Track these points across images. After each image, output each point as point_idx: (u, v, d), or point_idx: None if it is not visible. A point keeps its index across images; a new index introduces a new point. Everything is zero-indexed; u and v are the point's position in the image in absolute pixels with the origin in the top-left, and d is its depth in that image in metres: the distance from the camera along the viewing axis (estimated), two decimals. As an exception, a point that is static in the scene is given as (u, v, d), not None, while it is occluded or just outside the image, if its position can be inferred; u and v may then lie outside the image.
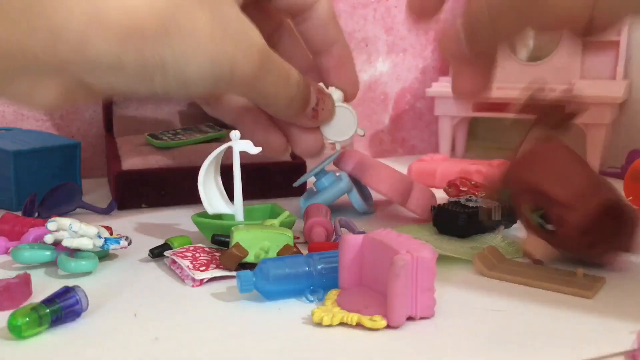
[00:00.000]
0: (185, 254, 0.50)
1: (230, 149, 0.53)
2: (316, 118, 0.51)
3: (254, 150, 0.53)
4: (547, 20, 0.43)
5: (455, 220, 0.55)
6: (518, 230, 0.59)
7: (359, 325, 0.39)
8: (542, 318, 0.41)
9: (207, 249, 0.51)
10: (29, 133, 0.74)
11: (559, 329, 0.39)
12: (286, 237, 0.48)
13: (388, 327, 0.39)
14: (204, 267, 0.48)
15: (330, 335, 0.38)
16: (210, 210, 0.54)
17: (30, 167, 0.67)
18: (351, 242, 0.43)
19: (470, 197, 0.60)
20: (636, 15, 0.42)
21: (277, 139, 0.53)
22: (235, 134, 0.53)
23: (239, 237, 0.47)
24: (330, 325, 0.39)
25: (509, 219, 0.56)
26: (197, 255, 0.50)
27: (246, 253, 0.47)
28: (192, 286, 0.46)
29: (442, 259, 0.46)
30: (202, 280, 0.46)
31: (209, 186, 0.55)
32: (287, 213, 0.54)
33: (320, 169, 0.64)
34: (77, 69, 0.34)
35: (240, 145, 0.53)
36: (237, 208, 0.55)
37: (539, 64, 0.89)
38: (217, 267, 0.48)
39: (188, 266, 0.47)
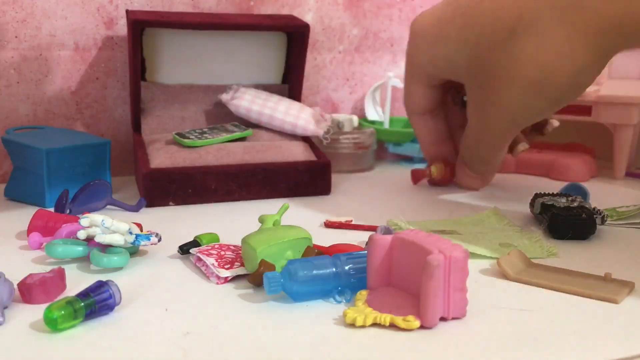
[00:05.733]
0: (211, 251, 0.50)
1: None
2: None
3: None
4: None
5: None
6: (545, 231, 0.59)
7: (391, 326, 0.39)
8: (571, 319, 0.41)
9: (233, 247, 0.52)
10: (60, 131, 0.75)
11: (588, 330, 0.39)
12: (306, 240, 0.48)
13: (421, 327, 0.39)
14: (228, 265, 0.48)
15: (362, 336, 0.38)
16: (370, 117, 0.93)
17: (61, 165, 0.68)
18: (380, 243, 0.43)
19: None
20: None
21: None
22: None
23: (262, 254, 0.46)
24: (363, 326, 0.39)
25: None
26: (223, 253, 0.50)
27: (273, 267, 0.46)
28: (217, 283, 0.47)
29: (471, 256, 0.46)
30: (226, 278, 0.47)
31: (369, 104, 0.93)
32: (286, 205, 0.54)
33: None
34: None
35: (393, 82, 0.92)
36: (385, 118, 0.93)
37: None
38: (242, 265, 0.48)
39: (213, 264, 0.48)
